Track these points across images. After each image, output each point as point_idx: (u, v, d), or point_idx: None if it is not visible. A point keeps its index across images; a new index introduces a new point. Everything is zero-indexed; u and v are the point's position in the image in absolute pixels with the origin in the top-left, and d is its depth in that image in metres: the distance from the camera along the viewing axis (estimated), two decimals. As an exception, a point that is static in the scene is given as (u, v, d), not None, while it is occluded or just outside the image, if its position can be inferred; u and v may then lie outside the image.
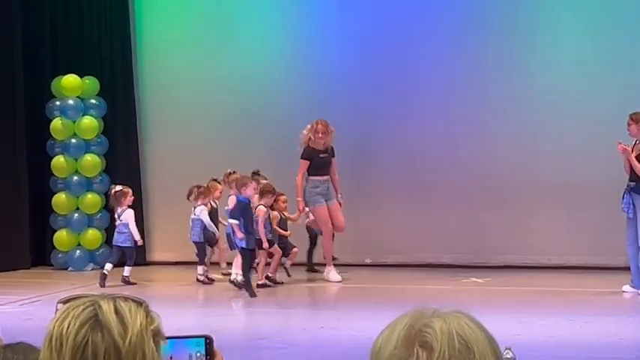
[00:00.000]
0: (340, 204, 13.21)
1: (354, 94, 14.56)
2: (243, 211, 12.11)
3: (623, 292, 11.84)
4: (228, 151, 14.93)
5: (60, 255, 14.93)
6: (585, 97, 13.96)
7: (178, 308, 11.00)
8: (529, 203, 13.99)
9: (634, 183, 11.71)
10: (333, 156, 13.23)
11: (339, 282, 13.01)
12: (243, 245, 12.04)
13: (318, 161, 13.09)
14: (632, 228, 11.79)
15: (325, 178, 13.15)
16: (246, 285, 11.87)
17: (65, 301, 2.00)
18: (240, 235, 12.01)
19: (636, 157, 11.70)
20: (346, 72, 14.67)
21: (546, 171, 13.92)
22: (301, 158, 13.10)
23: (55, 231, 14.96)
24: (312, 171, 13.09)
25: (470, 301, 11.33)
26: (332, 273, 13.15)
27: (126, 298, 2.00)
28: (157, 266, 15.14)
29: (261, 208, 12.50)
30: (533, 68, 14.30)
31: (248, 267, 12.00)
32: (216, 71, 15.10)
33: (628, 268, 11.99)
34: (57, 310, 2.00)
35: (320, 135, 13.07)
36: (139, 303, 2.00)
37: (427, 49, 14.41)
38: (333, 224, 13.13)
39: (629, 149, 11.72)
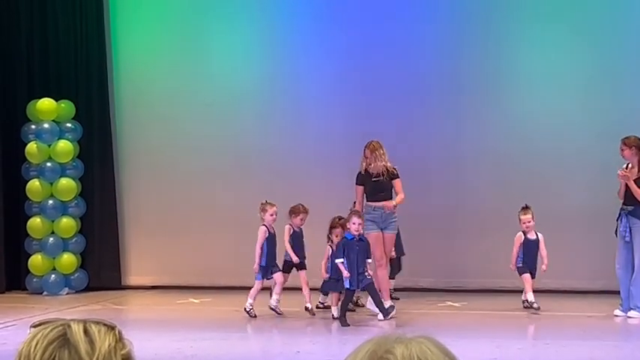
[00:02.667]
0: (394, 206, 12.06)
1: (330, 118, 14.59)
2: (346, 249, 11.55)
3: (615, 316, 11.81)
4: (205, 176, 14.94)
5: (35, 279, 14.83)
6: (562, 120, 14.04)
7: (155, 332, 10.96)
8: (506, 227, 14.00)
9: (632, 207, 11.70)
10: (394, 178, 12.21)
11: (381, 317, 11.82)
12: (347, 286, 11.53)
13: (371, 186, 12.16)
14: (626, 251, 11.75)
15: (381, 203, 12.07)
16: (341, 319, 11.50)
17: (37, 325, 2.00)
18: (346, 273, 11.45)
19: (635, 181, 11.70)
20: (322, 97, 14.71)
21: (522, 195, 13.93)
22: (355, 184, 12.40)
23: (30, 255, 14.86)
24: (367, 196, 12.21)
25: (447, 325, 11.33)
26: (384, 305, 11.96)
27: (97, 322, 1.99)
28: (132, 290, 15.06)
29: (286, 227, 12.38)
30: (508, 92, 14.37)
31: (347, 304, 11.69)
32: (194, 96, 15.09)
33: (605, 292, 12.01)
34: (29, 334, 1.99)
35: (365, 158, 12.33)
36: (111, 327, 1.99)
37: (400, 77, 14.47)
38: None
39: (628, 174, 11.71)
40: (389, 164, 12.21)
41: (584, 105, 14.02)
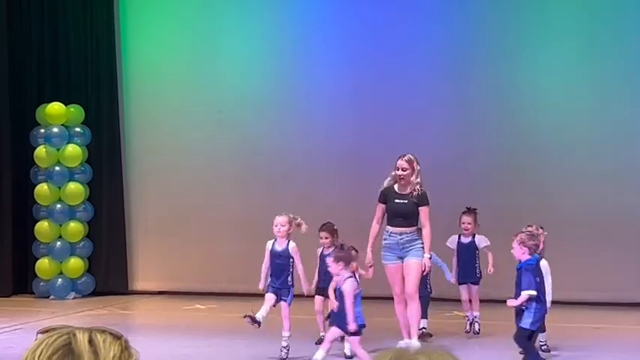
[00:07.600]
0: (426, 267, 10.50)
1: (340, 123, 14.57)
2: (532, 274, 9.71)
3: None
4: (213, 182, 14.94)
5: (42, 283, 14.84)
6: (572, 132, 14.01)
7: (161, 338, 10.95)
8: (510, 236, 13.96)
9: None
10: (422, 204, 10.38)
11: None
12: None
13: (390, 207, 10.40)
14: None
15: (399, 230, 10.34)
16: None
17: (44, 331, 1.98)
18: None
19: None
20: (332, 103, 14.70)
21: (530, 204, 13.91)
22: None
23: (37, 259, 14.87)
24: (387, 219, 10.49)
25: (455, 334, 11.30)
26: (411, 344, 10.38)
27: (103, 330, 1.97)
28: (139, 296, 15.06)
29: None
30: (517, 98, 14.34)
31: (530, 341, 9.80)
32: (203, 101, 15.10)
33: (612, 304, 11.95)
34: (36, 340, 1.98)
35: (395, 169, 10.44)
36: (117, 336, 1.98)
37: (411, 82, 14.46)
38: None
39: None
40: (418, 185, 10.44)
41: (592, 111, 13.98)
